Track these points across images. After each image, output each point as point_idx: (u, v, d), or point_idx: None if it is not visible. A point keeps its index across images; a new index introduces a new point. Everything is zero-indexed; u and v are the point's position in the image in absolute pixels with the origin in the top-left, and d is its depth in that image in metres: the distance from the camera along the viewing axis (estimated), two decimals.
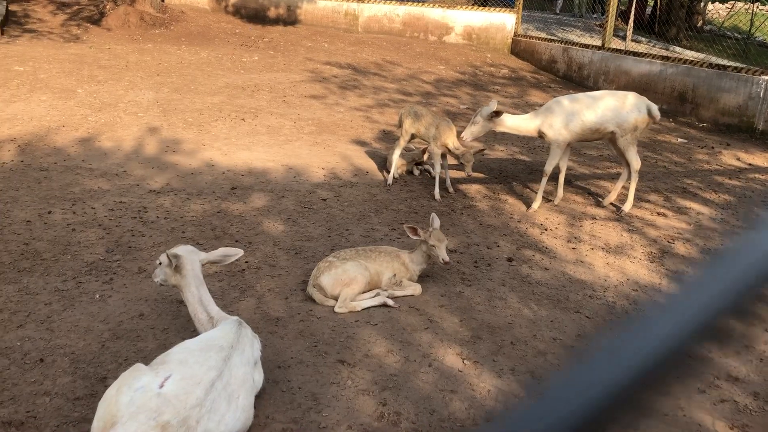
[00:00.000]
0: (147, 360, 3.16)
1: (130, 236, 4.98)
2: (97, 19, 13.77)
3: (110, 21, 13.63)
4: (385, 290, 4.30)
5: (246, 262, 4.67)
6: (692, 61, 10.78)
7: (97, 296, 4.10)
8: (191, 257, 3.49)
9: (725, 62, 10.72)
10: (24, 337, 3.61)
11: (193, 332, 3.58)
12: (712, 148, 8.83)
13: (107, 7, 14.05)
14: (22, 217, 5.17)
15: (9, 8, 13.78)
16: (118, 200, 5.62)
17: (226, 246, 4.33)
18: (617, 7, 12.55)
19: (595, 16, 19.56)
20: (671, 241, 5.60)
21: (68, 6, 14.69)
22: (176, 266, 3.44)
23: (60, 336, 3.65)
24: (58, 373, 3.32)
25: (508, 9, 15.47)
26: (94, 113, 8.16)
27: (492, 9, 15.61)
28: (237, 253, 3.64)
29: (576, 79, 12.93)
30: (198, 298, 3.41)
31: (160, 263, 3.58)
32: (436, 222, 4.49)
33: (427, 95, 11.03)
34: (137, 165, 6.55)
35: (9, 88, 8.96)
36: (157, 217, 5.36)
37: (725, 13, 19.76)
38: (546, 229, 5.71)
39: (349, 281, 4.15)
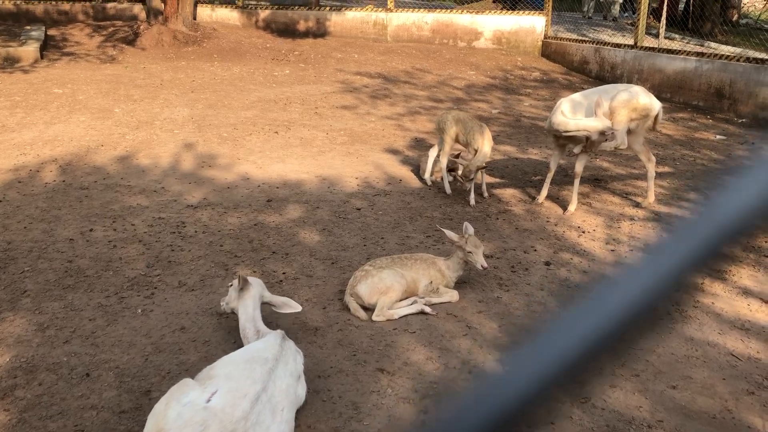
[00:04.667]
0: (190, 372, 3.21)
1: (170, 251, 5.06)
2: (131, 40, 14.08)
3: (144, 41, 13.92)
4: (422, 297, 4.29)
5: (283, 273, 4.71)
6: (728, 56, 10.56)
7: (139, 311, 4.18)
8: (257, 288, 3.72)
9: (763, 56, 10.47)
10: (70, 352, 3.70)
11: (234, 344, 3.64)
12: (752, 143, 8.63)
13: (141, 27, 14.36)
14: (65, 235, 5.30)
15: (48, 33, 14.18)
16: (156, 216, 5.73)
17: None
18: (649, 4, 12.37)
19: (626, 14, 19.31)
20: None
21: (104, 28, 15.05)
22: (242, 288, 3.65)
23: (104, 351, 3.72)
24: (103, 387, 3.38)
25: (537, 11, 15.38)
26: (131, 131, 8.33)
27: (521, 12, 15.53)
28: (297, 308, 3.75)
29: (609, 79, 12.76)
30: (251, 316, 3.58)
31: (231, 285, 3.79)
32: (470, 229, 4.47)
33: (458, 101, 11.00)
34: (174, 181, 6.66)
35: (49, 110, 9.21)
36: (196, 231, 5.44)
37: (761, 6, 19.33)
38: (584, 232, 5.64)
39: (386, 289, 4.15)
